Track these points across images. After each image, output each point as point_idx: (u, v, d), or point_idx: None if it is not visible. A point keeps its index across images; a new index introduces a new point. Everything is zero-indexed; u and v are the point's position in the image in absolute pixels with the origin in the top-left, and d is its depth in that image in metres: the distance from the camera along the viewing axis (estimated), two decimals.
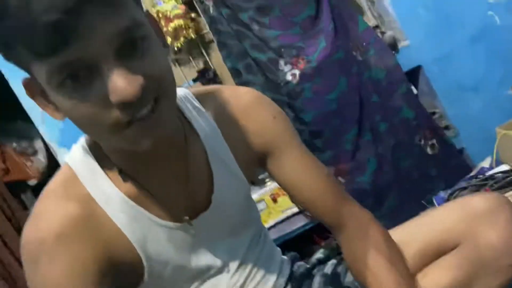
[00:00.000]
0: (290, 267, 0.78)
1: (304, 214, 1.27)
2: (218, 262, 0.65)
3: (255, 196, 1.28)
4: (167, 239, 0.59)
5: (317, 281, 0.76)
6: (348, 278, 0.74)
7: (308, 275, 0.78)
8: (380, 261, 0.64)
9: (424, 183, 1.28)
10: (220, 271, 0.65)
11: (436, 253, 0.67)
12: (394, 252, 0.66)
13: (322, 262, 0.81)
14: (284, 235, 1.27)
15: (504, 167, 1.10)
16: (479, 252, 0.64)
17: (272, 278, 0.71)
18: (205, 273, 0.64)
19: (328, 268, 0.77)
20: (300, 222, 1.27)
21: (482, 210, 0.65)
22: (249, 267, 0.68)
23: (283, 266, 0.76)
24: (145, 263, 0.58)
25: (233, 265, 0.66)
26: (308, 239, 1.32)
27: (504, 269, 0.65)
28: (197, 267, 0.63)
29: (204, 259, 0.64)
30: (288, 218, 1.28)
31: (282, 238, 1.27)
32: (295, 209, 1.27)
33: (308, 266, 0.79)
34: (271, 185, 1.29)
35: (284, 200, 1.29)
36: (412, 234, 0.70)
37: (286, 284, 0.74)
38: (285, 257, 0.80)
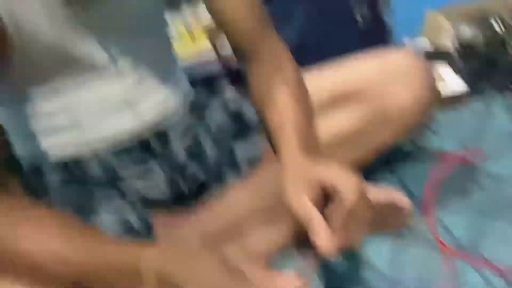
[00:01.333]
0: (191, 88, 0.71)
1: (222, 62, 1.18)
2: (104, 56, 0.55)
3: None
4: (41, 6, 0.48)
5: (215, 108, 0.70)
6: (252, 116, 0.70)
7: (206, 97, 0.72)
8: (285, 95, 0.59)
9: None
10: (105, 66, 0.56)
11: (344, 101, 0.66)
12: (302, 91, 0.62)
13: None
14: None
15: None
16: (385, 108, 0.65)
17: (166, 91, 0.64)
18: (87, 66, 0.55)
19: (231, 99, 0.72)
20: (214, 67, 1.18)
21: (399, 67, 0.65)
22: (143, 72, 0.60)
23: (181, 84, 0.69)
24: (10, 28, 0.48)
25: (123, 64, 0.58)
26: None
27: (401, 128, 0.66)
28: (76, 54, 0.54)
29: (87, 47, 0.54)
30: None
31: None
32: (211, 54, 1.18)
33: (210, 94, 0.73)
34: (188, 15, 1.16)
35: (201, 39, 1.19)
36: (323, 79, 0.68)
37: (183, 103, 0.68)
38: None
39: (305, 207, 0.44)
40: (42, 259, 0.44)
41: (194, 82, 0.74)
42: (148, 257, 0.44)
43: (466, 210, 0.67)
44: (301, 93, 0.61)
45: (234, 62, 1.10)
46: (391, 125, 0.64)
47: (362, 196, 0.43)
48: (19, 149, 0.62)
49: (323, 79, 0.67)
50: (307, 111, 0.60)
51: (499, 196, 0.69)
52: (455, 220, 0.65)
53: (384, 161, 0.83)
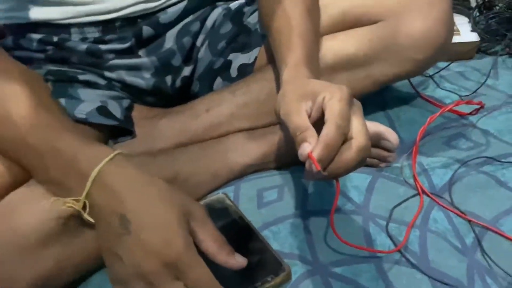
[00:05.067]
0: None
1: None
2: None
3: None
4: None
5: (217, 12, 0.67)
6: (251, 19, 0.67)
7: (210, 2, 0.68)
8: (297, 4, 0.56)
9: None
10: None
11: (355, 22, 0.63)
12: (315, 5, 0.59)
13: None
14: None
15: None
16: (395, 36, 0.62)
17: None
18: None
19: (234, 4, 0.69)
20: None
21: None
22: None
23: None
24: None
25: None
26: None
27: (407, 61, 0.64)
28: None
29: None
30: None
31: None
32: None
33: None
34: None
35: None
36: None
37: None
38: None
39: (303, 117, 0.42)
40: None
41: None
42: (107, 168, 0.40)
43: (448, 159, 0.66)
44: (314, 5, 0.59)
45: None
46: (398, 55, 0.62)
47: (348, 106, 0.40)
48: (4, 17, 0.59)
49: None
50: (315, 26, 0.58)
51: (483, 151, 0.68)
52: (435, 166, 0.65)
53: (379, 103, 0.82)
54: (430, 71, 0.87)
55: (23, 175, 0.42)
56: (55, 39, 0.57)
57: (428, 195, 0.60)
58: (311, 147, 0.39)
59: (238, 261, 0.41)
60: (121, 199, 0.38)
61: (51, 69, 0.56)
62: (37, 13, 0.56)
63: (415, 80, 0.84)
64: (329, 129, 0.39)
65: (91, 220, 0.39)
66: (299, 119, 0.42)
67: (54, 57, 0.58)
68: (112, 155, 0.41)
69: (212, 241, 0.40)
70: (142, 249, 0.37)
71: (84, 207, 0.39)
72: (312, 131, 0.41)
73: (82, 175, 0.39)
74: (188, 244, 0.38)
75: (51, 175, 0.40)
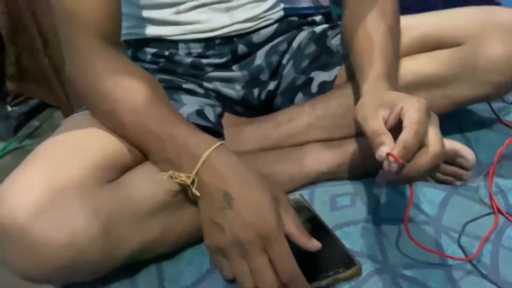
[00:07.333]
0: (283, 13, 0.76)
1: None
2: None
3: None
4: None
5: (303, 35, 0.74)
6: (334, 41, 0.72)
7: (297, 26, 0.75)
8: (380, 23, 0.61)
9: None
10: None
11: (436, 45, 0.66)
12: (396, 25, 0.64)
13: (315, 23, 0.78)
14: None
15: None
16: (475, 59, 0.64)
17: (262, 7, 0.69)
18: None
19: (319, 28, 0.75)
20: (305, 3, 1.19)
21: (503, 22, 0.63)
22: None
23: (277, 6, 0.74)
24: None
25: None
26: None
27: (486, 84, 0.65)
28: None
29: None
30: None
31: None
32: None
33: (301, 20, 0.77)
34: None
35: None
36: (420, 21, 0.68)
37: (274, 22, 0.72)
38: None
39: (379, 122, 0.46)
40: (120, 106, 0.50)
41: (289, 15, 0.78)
42: (214, 153, 0.47)
43: None
44: (395, 26, 0.63)
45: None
46: (477, 78, 0.64)
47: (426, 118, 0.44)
48: (125, 33, 0.71)
49: (420, 20, 0.68)
50: (396, 45, 0.62)
51: None
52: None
53: (457, 123, 0.82)
54: None
55: (140, 157, 0.52)
56: (166, 53, 0.68)
57: (503, 215, 0.60)
58: (389, 149, 0.43)
59: (315, 244, 0.46)
60: (225, 179, 0.46)
61: (161, 77, 0.66)
62: (152, 30, 0.67)
63: (495, 106, 0.84)
64: (407, 134, 0.43)
65: (198, 194, 0.47)
66: (376, 123, 0.46)
67: (164, 68, 0.68)
68: (218, 143, 0.49)
69: (294, 224, 0.46)
70: (241, 221, 0.44)
71: (192, 183, 0.47)
72: (389, 135, 0.45)
73: (193, 157, 0.47)
74: (279, 222, 0.45)
75: (168, 155, 0.49)
